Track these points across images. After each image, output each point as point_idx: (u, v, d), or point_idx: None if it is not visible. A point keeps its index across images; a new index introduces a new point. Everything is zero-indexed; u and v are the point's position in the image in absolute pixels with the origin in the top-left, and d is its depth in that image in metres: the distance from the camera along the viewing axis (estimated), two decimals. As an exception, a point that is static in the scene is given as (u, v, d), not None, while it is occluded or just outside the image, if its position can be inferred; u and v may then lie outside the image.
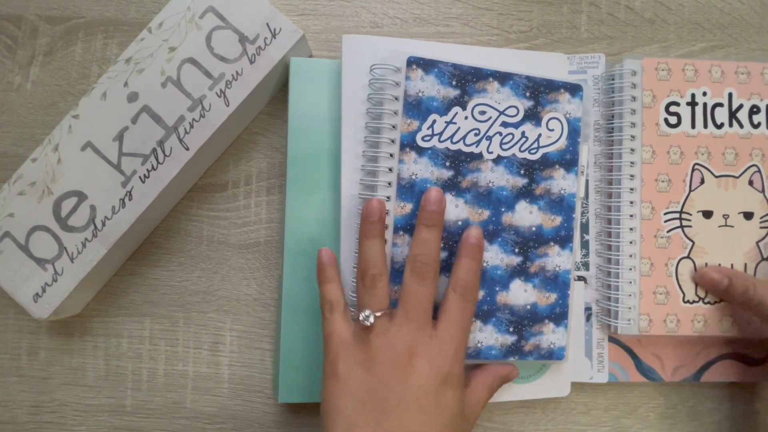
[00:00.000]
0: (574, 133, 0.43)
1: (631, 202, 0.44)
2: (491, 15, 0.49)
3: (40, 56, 0.47)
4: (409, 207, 0.40)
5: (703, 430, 0.47)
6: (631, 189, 0.44)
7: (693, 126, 0.44)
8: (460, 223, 0.41)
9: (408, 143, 0.40)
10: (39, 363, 0.45)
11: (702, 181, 0.44)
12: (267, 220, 0.46)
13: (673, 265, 0.44)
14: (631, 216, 0.44)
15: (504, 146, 0.42)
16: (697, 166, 0.44)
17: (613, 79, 0.45)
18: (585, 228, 0.47)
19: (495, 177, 0.42)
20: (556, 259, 0.43)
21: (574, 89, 0.43)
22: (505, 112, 0.42)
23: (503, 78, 0.42)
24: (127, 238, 0.42)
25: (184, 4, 0.42)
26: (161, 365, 0.45)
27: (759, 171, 0.45)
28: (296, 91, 0.44)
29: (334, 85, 0.44)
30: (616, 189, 0.44)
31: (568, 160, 0.43)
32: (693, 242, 0.44)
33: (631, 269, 0.44)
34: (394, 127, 0.40)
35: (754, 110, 0.45)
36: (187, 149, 0.42)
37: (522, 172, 0.43)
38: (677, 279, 0.44)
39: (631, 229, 0.44)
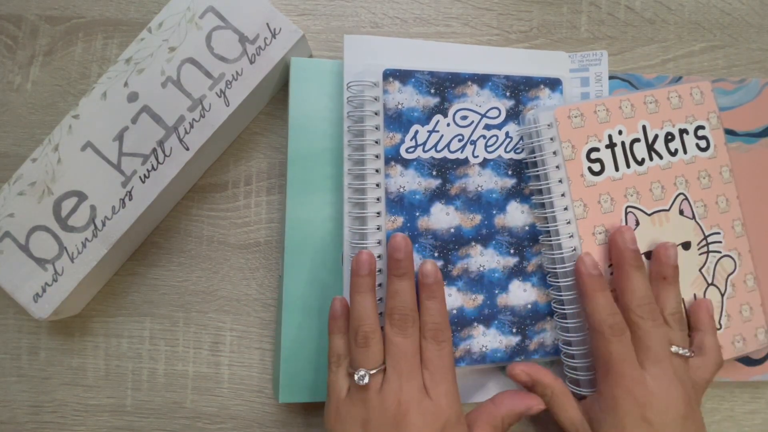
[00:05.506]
0: None
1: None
2: (491, 15, 0.49)
3: (40, 56, 0.47)
4: (399, 220, 0.40)
5: (703, 430, 0.47)
6: (573, 249, 0.41)
7: (617, 169, 0.42)
8: (452, 230, 0.41)
9: (392, 157, 0.40)
10: (39, 363, 0.45)
11: (637, 223, 0.42)
12: (267, 220, 0.46)
13: None
14: None
15: (489, 149, 0.42)
16: (629, 209, 0.42)
17: (531, 138, 0.42)
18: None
19: (483, 181, 0.42)
20: None
21: (554, 84, 0.43)
22: (487, 115, 0.42)
23: (482, 80, 0.42)
24: (127, 238, 0.42)
25: (184, 4, 0.42)
26: (161, 365, 0.45)
27: (686, 198, 0.43)
28: (296, 91, 0.44)
29: (334, 85, 0.44)
30: (559, 254, 0.41)
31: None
32: None
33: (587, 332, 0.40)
34: (377, 142, 0.40)
35: (669, 138, 0.43)
36: (187, 149, 0.42)
37: (510, 172, 0.43)
38: None
39: None
